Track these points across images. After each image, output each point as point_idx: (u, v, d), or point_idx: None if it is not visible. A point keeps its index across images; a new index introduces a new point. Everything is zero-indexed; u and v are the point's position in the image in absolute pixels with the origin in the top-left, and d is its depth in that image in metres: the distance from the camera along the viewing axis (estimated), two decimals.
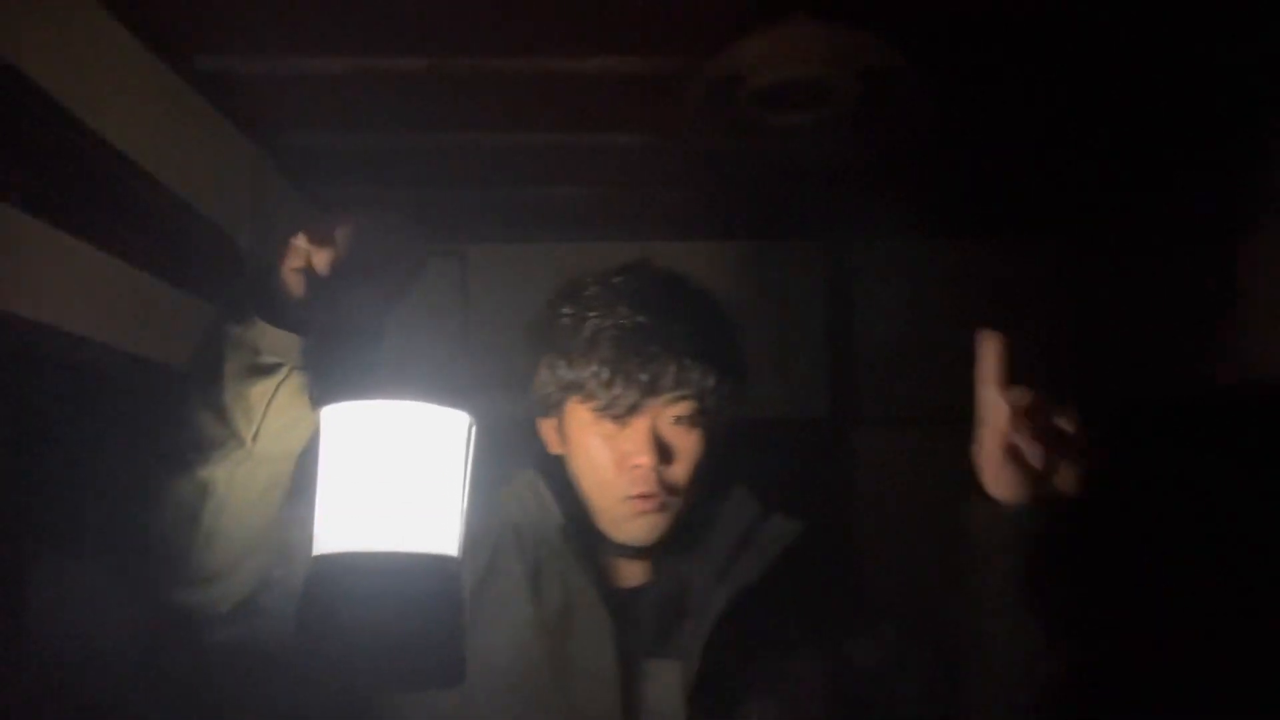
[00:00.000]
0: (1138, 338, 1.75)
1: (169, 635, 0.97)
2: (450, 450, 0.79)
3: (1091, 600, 0.98)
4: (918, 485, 1.65)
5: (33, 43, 0.94)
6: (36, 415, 0.98)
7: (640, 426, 1.03)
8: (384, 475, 0.77)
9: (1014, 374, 0.91)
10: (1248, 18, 1.14)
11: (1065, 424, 0.91)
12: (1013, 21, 1.13)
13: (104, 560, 0.96)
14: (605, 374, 1.01)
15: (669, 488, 1.04)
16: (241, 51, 1.21)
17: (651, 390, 1.02)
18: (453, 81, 1.27)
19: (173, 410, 0.89)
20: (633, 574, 1.11)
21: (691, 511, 1.08)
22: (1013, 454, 0.91)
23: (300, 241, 0.85)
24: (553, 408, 1.09)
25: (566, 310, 1.06)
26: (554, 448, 1.12)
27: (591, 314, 1.04)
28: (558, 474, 1.10)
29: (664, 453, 1.03)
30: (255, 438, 0.87)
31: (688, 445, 1.05)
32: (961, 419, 0.95)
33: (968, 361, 0.93)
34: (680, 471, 1.05)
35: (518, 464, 1.12)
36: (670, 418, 1.04)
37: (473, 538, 0.82)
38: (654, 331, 1.02)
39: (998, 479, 0.93)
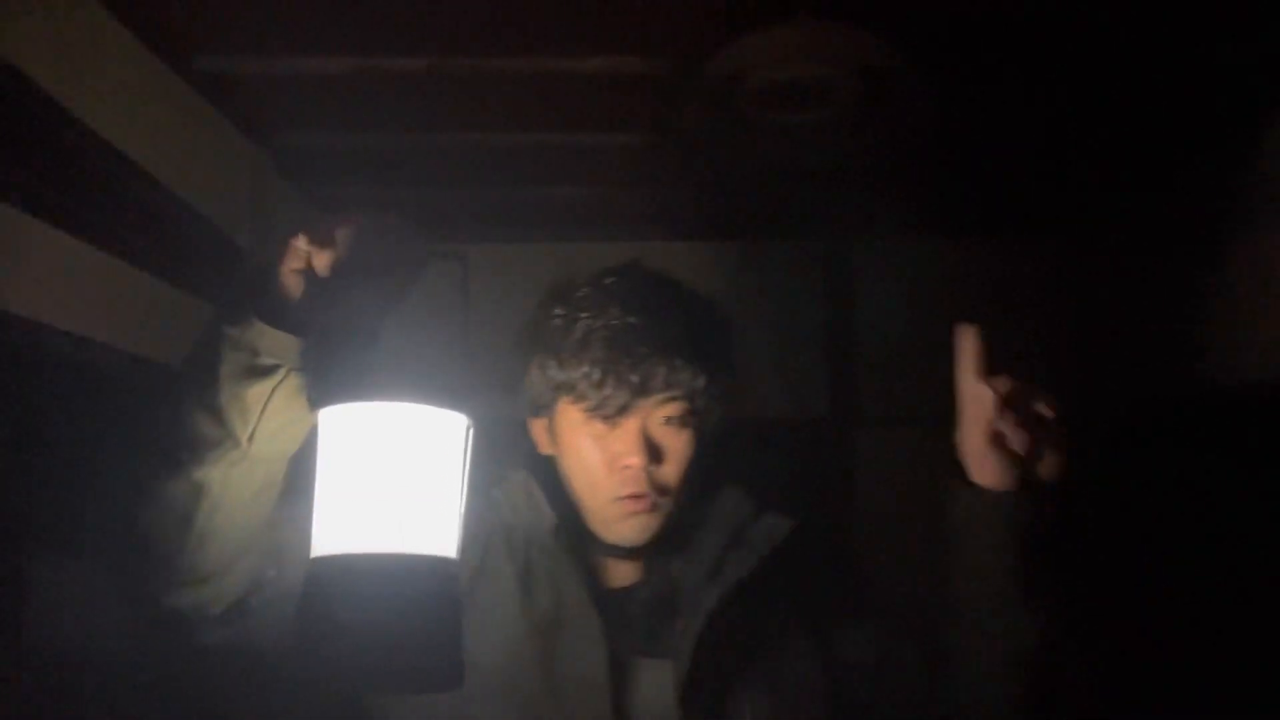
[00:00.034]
0: (1138, 338, 1.75)
1: (163, 636, 0.97)
2: (448, 452, 0.79)
3: (1077, 587, 1.00)
4: (918, 485, 1.65)
5: (33, 43, 0.94)
6: (36, 415, 0.98)
7: (630, 427, 1.03)
8: (382, 477, 0.77)
9: (993, 366, 0.94)
10: (1247, 18, 1.14)
11: (1044, 410, 0.94)
12: (1013, 21, 1.13)
13: (101, 560, 0.96)
14: (596, 375, 1.02)
15: (659, 488, 1.04)
16: (241, 51, 1.21)
17: (642, 391, 1.02)
18: (453, 81, 1.27)
19: (168, 410, 0.89)
20: (623, 574, 1.11)
21: (682, 511, 1.08)
22: (996, 441, 0.93)
23: (300, 242, 0.85)
24: (543, 408, 1.09)
25: (558, 311, 1.06)
26: (544, 448, 1.12)
27: (583, 315, 1.04)
28: (548, 474, 1.10)
29: (654, 453, 1.04)
30: (251, 438, 0.87)
31: (678, 446, 1.05)
32: None
33: None
34: (670, 472, 1.05)
35: (509, 464, 1.12)
36: (660, 418, 1.04)
37: (464, 538, 0.82)
38: (645, 332, 1.02)
39: (982, 466, 0.95)
